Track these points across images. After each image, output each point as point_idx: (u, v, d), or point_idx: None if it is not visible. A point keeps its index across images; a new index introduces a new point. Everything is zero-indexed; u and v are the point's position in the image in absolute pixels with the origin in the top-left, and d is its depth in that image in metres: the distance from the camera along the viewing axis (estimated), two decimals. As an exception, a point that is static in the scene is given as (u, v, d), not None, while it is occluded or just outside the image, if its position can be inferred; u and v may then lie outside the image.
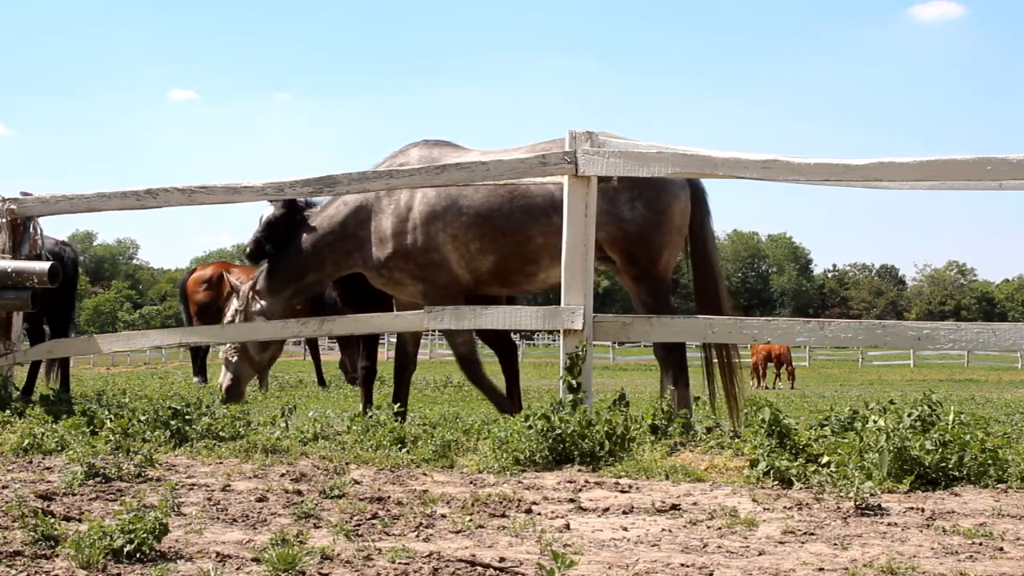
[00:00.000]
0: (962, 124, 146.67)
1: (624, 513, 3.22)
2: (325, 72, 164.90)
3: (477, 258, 5.77)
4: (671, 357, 5.54)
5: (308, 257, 6.19)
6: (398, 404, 5.74)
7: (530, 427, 4.26)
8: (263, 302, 6.36)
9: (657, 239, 5.52)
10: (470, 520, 3.03)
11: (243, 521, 3.04)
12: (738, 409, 5.57)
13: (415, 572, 2.43)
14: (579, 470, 4.03)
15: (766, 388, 21.25)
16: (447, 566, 2.47)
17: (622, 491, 3.60)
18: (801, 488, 3.63)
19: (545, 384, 15.91)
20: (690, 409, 5.19)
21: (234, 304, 6.52)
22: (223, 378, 6.58)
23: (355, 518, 3.06)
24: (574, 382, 4.83)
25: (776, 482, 3.72)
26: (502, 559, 2.56)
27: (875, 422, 4.21)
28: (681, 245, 5.79)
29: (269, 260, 6.42)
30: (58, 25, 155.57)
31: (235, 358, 6.47)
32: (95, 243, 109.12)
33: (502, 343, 6.85)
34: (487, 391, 6.25)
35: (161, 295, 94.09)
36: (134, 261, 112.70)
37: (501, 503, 3.30)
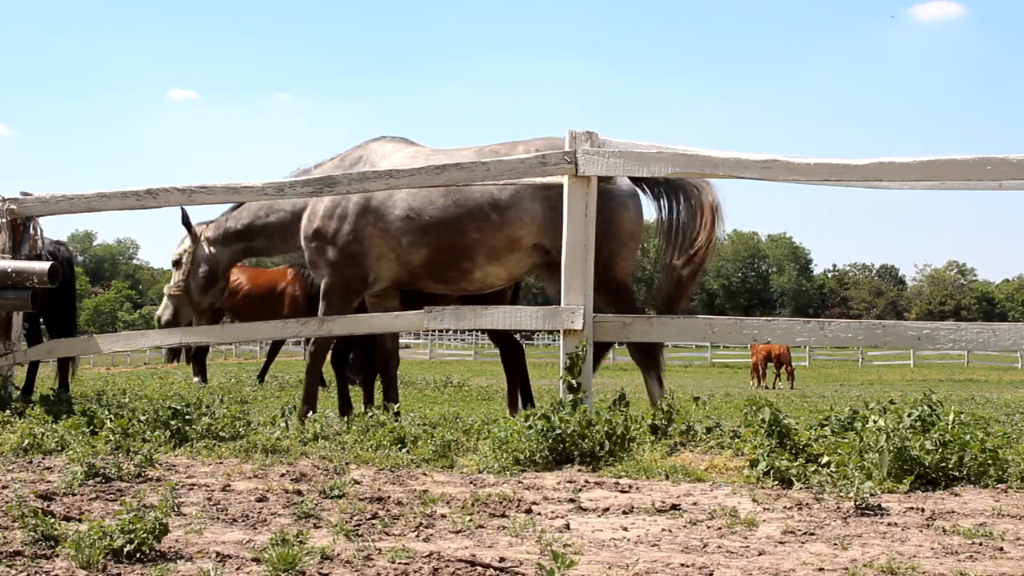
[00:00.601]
0: (962, 124, 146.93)
1: (624, 513, 3.22)
2: (325, 72, 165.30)
3: (409, 251, 5.76)
4: (647, 360, 5.53)
5: (260, 225, 6.33)
6: (396, 404, 5.74)
7: (530, 427, 4.27)
8: (212, 249, 6.49)
9: (605, 248, 5.41)
10: (470, 520, 3.03)
11: (243, 521, 3.04)
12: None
13: (415, 572, 2.43)
14: (579, 470, 4.03)
15: (766, 388, 21.26)
16: (447, 566, 2.47)
17: (622, 491, 3.60)
18: (801, 488, 3.63)
19: (545, 384, 15.88)
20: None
21: (186, 243, 6.57)
22: (163, 311, 6.67)
23: (355, 518, 3.06)
24: (574, 382, 4.83)
25: (776, 482, 3.72)
26: (502, 559, 2.56)
27: (875, 422, 4.22)
28: (636, 251, 5.72)
29: (230, 214, 6.51)
30: (58, 25, 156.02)
31: (177, 294, 6.59)
32: (95, 243, 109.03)
33: (505, 343, 6.86)
34: (309, 385, 6.12)
35: (161, 295, 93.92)
36: (134, 261, 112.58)
37: (501, 503, 3.30)
